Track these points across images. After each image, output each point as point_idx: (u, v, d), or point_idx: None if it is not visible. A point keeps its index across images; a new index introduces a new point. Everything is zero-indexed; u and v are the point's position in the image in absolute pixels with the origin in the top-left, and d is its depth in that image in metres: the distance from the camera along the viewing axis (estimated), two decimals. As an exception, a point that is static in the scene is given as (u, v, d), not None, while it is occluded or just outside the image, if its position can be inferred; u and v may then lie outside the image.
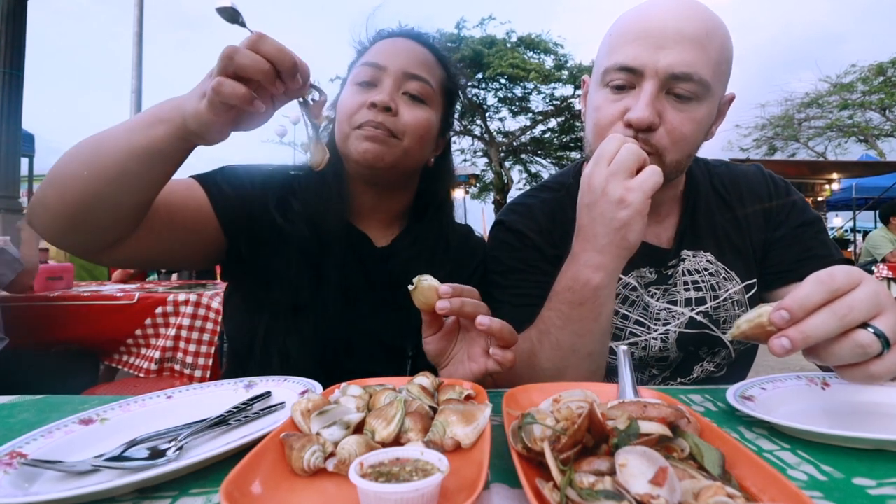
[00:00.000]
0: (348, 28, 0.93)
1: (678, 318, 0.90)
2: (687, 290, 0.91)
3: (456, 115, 0.99)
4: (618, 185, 0.67)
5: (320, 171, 0.79)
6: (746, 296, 0.92)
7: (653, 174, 0.67)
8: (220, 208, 0.80)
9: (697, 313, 0.90)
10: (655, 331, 0.90)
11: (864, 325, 0.48)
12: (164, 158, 0.61)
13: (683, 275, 0.91)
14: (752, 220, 0.94)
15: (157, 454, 0.45)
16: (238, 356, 0.89)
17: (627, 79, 0.76)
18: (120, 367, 2.33)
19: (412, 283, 0.65)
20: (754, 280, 0.92)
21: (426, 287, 0.64)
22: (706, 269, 0.91)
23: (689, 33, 0.73)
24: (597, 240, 0.71)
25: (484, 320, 0.63)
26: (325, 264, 0.84)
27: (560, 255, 0.88)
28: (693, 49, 0.73)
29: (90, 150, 0.62)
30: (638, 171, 0.69)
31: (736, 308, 0.91)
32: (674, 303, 0.91)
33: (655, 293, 0.91)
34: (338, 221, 0.86)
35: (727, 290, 0.91)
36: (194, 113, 0.56)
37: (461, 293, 0.66)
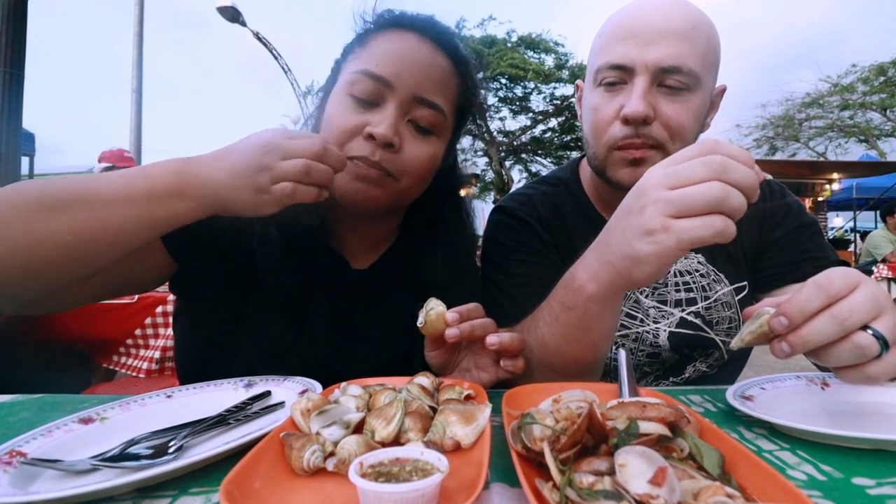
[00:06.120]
0: (351, 7, 0.78)
1: (668, 318, 0.91)
2: (678, 290, 0.91)
3: (468, 126, 0.86)
4: (657, 214, 0.52)
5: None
6: (736, 298, 0.92)
7: (704, 228, 0.50)
8: (168, 235, 0.67)
9: (688, 314, 0.91)
10: (647, 324, 0.91)
11: (864, 327, 0.48)
12: (179, 223, 0.60)
13: (675, 276, 0.92)
14: (745, 223, 0.94)
15: (156, 454, 0.45)
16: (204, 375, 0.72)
17: (619, 76, 0.78)
18: (119, 369, 2.33)
19: (421, 321, 0.63)
20: (745, 283, 0.93)
21: (434, 318, 0.63)
22: (697, 271, 0.92)
23: (674, 28, 0.75)
24: (605, 250, 0.61)
25: (494, 339, 0.62)
26: (309, 294, 0.76)
27: (556, 243, 0.93)
28: (679, 42, 0.75)
29: (69, 213, 0.54)
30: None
31: (726, 310, 0.92)
32: (664, 302, 0.91)
33: (645, 290, 0.92)
34: (317, 244, 0.78)
35: (717, 292, 0.91)
36: (251, 206, 0.59)
37: (468, 315, 0.64)
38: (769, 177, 0.55)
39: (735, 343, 0.55)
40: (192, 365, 0.80)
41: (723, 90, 0.87)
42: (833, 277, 0.49)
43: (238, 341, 0.73)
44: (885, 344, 0.48)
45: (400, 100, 0.70)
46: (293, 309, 0.74)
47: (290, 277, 0.74)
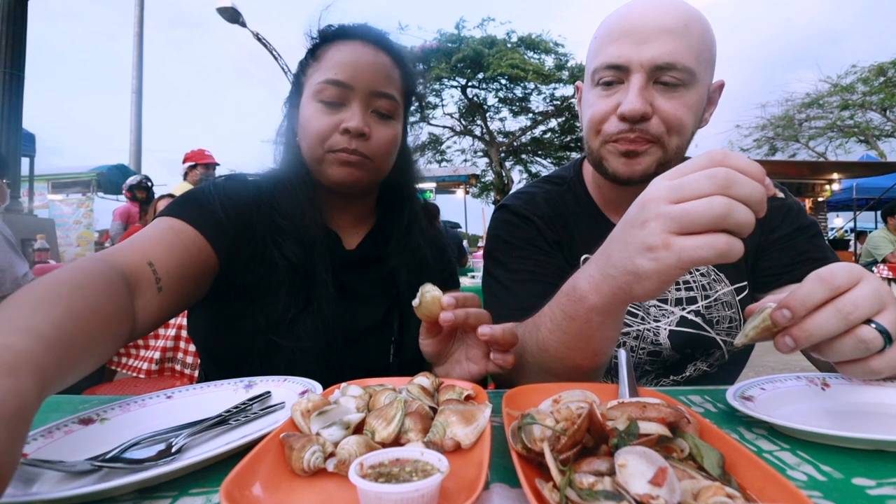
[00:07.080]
0: (302, 24, 0.89)
1: (668, 317, 0.91)
2: (678, 289, 0.92)
3: (415, 106, 0.99)
4: (658, 230, 0.50)
5: (290, 183, 0.86)
6: (737, 298, 0.92)
7: (706, 248, 0.47)
8: (219, 245, 0.79)
9: (689, 312, 0.91)
10: (648, 322, 0.91)
11: (867, 322, 0.48)
12: None
13: None
14: None
15: (156, 454, 0.45)
16: (226, 367, 0.86)
17: (615, 75, 0.80)
18: (119, 369, 2.33)
19: (416, 301, 0.65)
20: (745, 283, 0.93)
21: (430, 300, 0.64)
22: (697, 270, 0.92)
23: (667, 26, 0.76)
24: (607, 262, 0.58)
25: (485, 330, 0.62)
26: (315, 273, 0.85)
27: (560, 240, 0.95)
28: (673, 40, 0.76)
29: None
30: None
31: (726, 309, 0.92)
32: (664, 301, 0.91)
33: None
34: (316, 228, 0.86)
35: (717, 291, 0.92)
36: None
37: (464, 303, 0.66)
38: (780, 195, 0.52)
39: (739, 339, 0.55)
40: (215, 342, 0.88)
41: (721, 85, 0.88)
42: (836, 271, 0.49)
43: (257, 311, 0.82)
44: (888, 338, 0.48)
45: (361, 97, 0.83)
46: (303, 278, 0.84)
47: (300, 252, 0.84)
